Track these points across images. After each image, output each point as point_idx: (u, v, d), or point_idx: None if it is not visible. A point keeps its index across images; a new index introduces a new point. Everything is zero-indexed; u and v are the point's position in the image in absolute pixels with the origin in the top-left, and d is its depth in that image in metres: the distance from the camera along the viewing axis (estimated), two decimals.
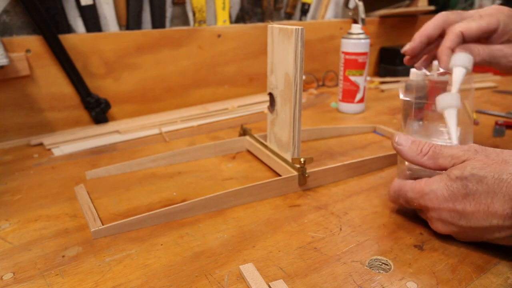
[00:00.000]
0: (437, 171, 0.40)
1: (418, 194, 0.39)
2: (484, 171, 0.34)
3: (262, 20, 1.02)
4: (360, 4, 1.11)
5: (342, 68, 0.83)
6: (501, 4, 1.52)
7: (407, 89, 0.58)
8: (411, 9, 1.19)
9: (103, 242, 0.41)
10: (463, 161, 0.36)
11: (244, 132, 0.67)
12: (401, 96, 0.53)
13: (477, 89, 1.03)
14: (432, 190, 0.37)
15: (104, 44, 0.77)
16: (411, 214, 0.45)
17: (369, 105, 0.90)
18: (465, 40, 0.49)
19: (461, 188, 0.35)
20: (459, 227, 0.37)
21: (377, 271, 0.36)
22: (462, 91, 0.51)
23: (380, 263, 0.37)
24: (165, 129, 0.77)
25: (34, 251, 0.40)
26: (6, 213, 0.48)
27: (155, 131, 0.76)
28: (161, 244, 0.41)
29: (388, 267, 0.37)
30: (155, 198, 0.50)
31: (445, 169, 0.38)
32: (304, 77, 0.64)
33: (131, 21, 0.82)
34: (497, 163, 0.34)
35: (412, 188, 0.39)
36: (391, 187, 0.43)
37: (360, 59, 0.81)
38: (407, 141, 0.41)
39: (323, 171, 0.53)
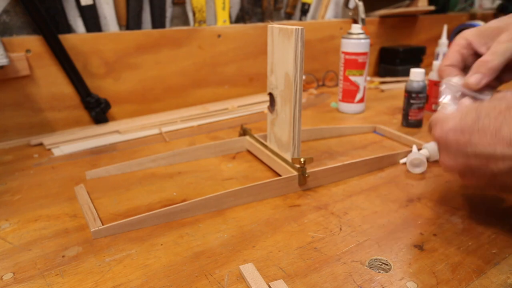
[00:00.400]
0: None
1: (434, 121, 0.39)
2: (499, 101, 0.35)
3: (262, 20, 1.02)
4: (360, 4, 1.11)
5: (342, 68, 0.83)
6: (502, 4, 1.51)
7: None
8: (411, 9, 1.19)
9: (103, 242, 0.41)
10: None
11: (244, 132, 0.67)
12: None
13: None
14: (446, 116, 0.37)
15: (104, 44, 0.77)
16: (411, 214, 0.45)
17: (369, 105, 0.90)
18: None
19: (474, 115, 0.35)
20: (464, 156, 0.36)
21: (377, 271, 0.36)
22: None
23: (380, 263, 0.37)
24: (165, 129, 0.77)
25: (34, 251, 0.40)
26: (6, 213, 0.48)
27: (155, 131, 0.76)
28: (161, 244, 0.41)
29: (388, 267, 0.37)
30: (155, 198, 0.50)
31: None
32: (304, 77, 0.64)
33: (131, 21, 0.82)
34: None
35: (434, 115, 0.40)
36: (432, 118, 0.42)
37: (360, 59, 0.81)
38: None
39: (323, 171, 0.53)
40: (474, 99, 0.44)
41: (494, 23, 0.48)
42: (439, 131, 0.38)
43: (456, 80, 0.46)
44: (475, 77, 0.44)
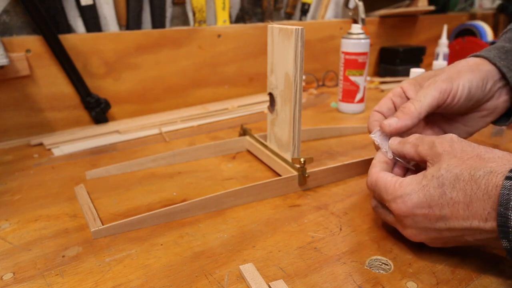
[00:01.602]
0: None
1: (390, 195, 0.36)
2: (460, 168, 0.32)
3: (262, 20, 1.02)
4: (360, 4, 1.11)
5: (342, 68, 0.83)
6: (502, 4, 1.51)
7: None
8: (411, 9, 1.19)
9: (103, 242, 0.41)
10: (439, 154, 0.34)
11: (244, 132, 0.67)
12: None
13: None
14: (405, 192, 0.35)
15: (104, 44, 0.77)
16: None
17: (369, 105, 0.90)
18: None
19: (437, 187, 0.33)
20: (436, 230, 0.34)
21: (377, 271, 0.36)
22: None
23: (380, 263, 0.37)
24: (165, 129, 0.77)
25: (34, 251, 0.40)
26: (6, 213, 0.48)
27: (155, 131, 0.76)
28: (161, 244, 0.41)
29: (388, 267, 0.37)
30: (155, 198, 0.50)
31: (423, 158, 0.36)
32: (304, 77, 0.64)
33: (131, 21, 0.82)
34: (472, 158, 0.32)
35: (386, 187, 0.37)
36: (369, 177, 0.40)
37: (360, 59, 0.81)
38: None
39: (323, 171, 0.53)
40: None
41: (428, 72, 0.47)
42: (404, 208, 0.35)
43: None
44: (388, 120, 0.43)
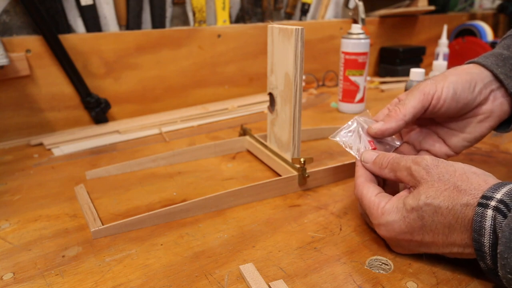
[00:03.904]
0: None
1: (374, 220, 0.37)
2: (438, 200, 0.33)
3: (262, 20, 1.02)
4: (360, 4, 1.11)
5: (342, 68, 0.83)
6: (502, 4, 1.50)
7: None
8: (411, 9, 1.19)
9: (103, 242, 0.41)
10: (418, 181, 0.35)
11: (244, 132, 0.67)
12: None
13: None
14: (388, 222, 0.36)
15: (104, 44, 0.77)
16: None
17: (369, 105, 0.90)
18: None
19: (417, 219, 0.34)
20: (418, 251, 0.37)
21: (377, 271, 0.36)
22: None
23: (380, 263, 0.37)
24: (165, 129, 0.77)
25: (34, 251, 0.40)
26: (6, 213, 0.48)
27: (155, 131, 0.76)
28: (161, 244, 0.41)
29: (388, 267, 0.37)
30: (155, 198, 0.50)
31: (403, 182, 0.38)
32: (304, 77, 0.64)
33: (131, 21, 0.82)
34: (449, 189, 0.33)
35: (370, 210, 0.38)
36: (355, 188, 0.41)
37: (360, 59, 0.81)
38: (372, 157, 0.42)
39: (323, 171, 0.53)
40: (381, 143, 0.46)
41: (423, 81, 0.47)
42: (387, 235, 0.37)
43: (364, 119, 0.47)
44: (375, 125, 0.44)
